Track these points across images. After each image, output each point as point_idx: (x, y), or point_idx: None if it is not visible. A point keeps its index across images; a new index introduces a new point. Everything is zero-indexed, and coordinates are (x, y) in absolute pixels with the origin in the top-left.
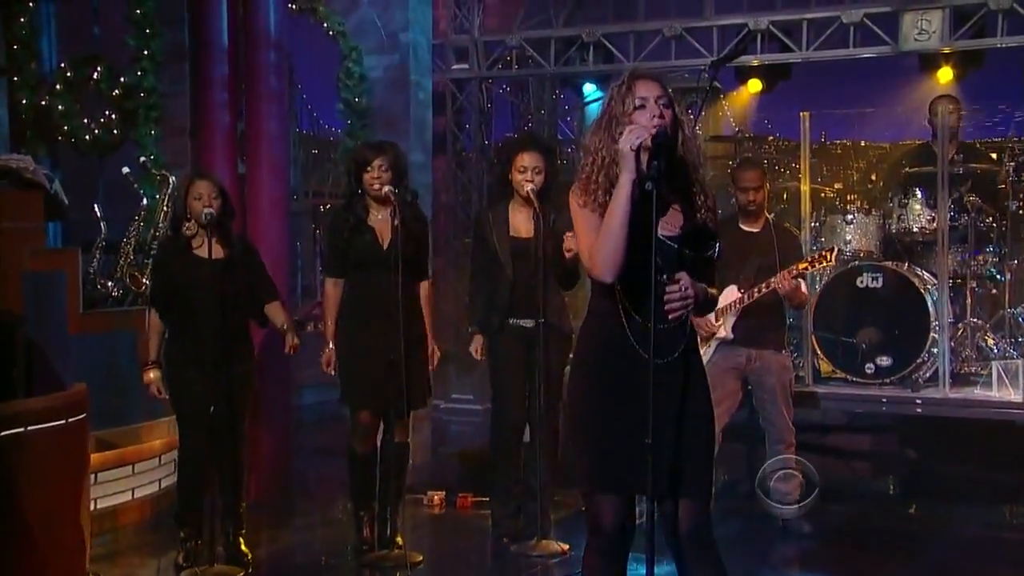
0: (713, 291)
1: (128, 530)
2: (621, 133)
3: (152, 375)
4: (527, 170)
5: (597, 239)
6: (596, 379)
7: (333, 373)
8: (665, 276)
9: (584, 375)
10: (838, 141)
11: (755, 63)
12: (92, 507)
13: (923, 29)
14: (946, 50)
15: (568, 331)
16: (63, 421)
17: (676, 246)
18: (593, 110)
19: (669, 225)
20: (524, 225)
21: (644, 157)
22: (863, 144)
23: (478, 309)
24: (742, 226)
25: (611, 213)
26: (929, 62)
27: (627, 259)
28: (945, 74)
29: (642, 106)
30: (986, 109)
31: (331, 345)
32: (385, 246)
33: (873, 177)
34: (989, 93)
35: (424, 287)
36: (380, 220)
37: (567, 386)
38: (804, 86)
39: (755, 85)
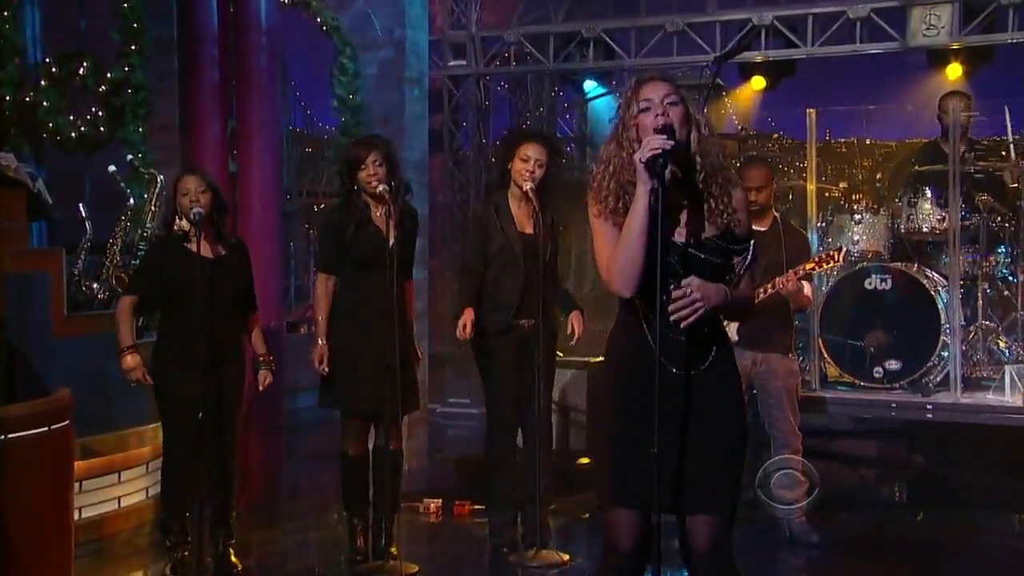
0: (736, 292)
1: (114, 540)
2: (628, 139)
3: (131, 360)
4: (530, 159)
5: (614, 252)
6: (619, 391)
7: (325, 371)
8: (673, 283)
9: (608, 387)
10: (842, 139)
11: (759, 59)
12: (77, 517)
13: (932, 24)
14: (955, 45)
15: (556, 328)
16: (46, 428)
17: (695, 252)
18: (594, 107)
19: (686, 230)
20: (527, 221)
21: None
22: (868, 142)
23: (468, 300)
24: None
25: (628, 226)
26: (938, 58)
27: (646, 268)
28: (954, 70)
29: (647, 108)
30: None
31: (321, 341)
32: (390, 244)
33: (879, 176)
34: (999, 89)
35: (411, 287)
36: (379, 217)
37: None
38: (809, 83)
39: (759, 82)
